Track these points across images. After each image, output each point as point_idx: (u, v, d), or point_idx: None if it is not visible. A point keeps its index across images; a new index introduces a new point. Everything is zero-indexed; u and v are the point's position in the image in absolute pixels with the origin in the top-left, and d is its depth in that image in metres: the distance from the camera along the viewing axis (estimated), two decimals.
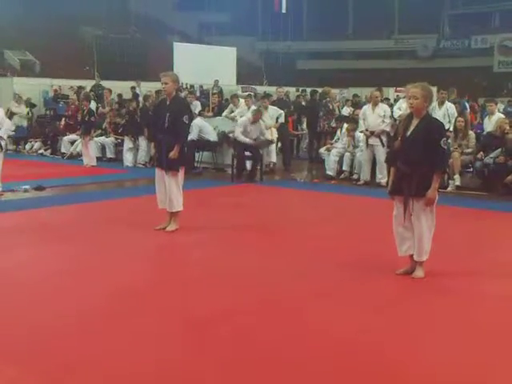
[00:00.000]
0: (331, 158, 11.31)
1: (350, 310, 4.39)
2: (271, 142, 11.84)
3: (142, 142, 12.52)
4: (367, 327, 4.06)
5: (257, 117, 11.02)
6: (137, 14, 36.68)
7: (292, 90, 21.48)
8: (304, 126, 15.14)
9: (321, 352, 3.64)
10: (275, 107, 12.81)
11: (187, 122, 6.82)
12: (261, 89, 22.10)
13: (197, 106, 13.92)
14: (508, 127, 9.97)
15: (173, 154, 6.59)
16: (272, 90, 17.81)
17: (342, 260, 5.70)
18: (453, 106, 11.20)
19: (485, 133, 10.65)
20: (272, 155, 12.19)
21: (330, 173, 11.24)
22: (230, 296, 4.65)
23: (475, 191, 9.72)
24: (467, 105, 14.45)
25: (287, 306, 4.48)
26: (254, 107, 11.69)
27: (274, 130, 12.15)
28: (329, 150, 11.58)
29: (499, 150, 9.67)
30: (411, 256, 5.19)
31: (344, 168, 11.28)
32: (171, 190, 6.67)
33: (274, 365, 3.46)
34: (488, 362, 3.60)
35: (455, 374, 3.42)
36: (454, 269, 5.45)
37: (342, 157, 11.26)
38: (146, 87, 17.83)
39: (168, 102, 6.76)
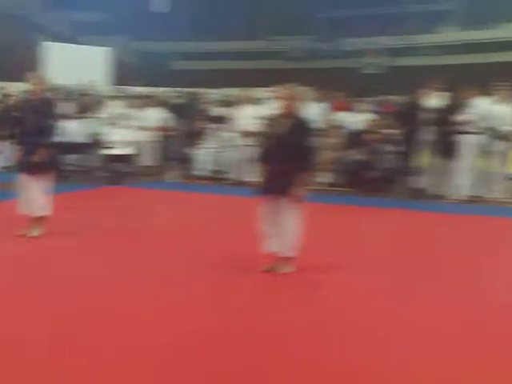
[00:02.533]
0: (201, 157, 11.41)
1: (207, 310, 4.36)
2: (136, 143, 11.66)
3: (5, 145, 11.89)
4: (230, 324, 4.07)
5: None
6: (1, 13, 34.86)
7: (167, 90, 21.26)
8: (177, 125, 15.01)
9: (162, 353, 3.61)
10: (159, 108, 12.61)
11: (53, 123, 6.60)
12: (136, 90, 21.71)
13: (65, 107, 13.41)
14: (375, 126, 10.52)
15: (38, 156, 6.35)
16: (147, 90, 17.52)
17: (208, 259, 5.68)
18: (323, 105, 11.55)
19: (352, 131, 11.10)
20: (145, 157, 12.02)
21: (199, 173, 11.31)
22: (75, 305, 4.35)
23: (343, 188, 10.13)
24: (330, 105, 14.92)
25: (121, 312, 4.25)
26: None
27: (151, 133, 11.99)
28: (198, 149, 11.65)
29: (364, 147, 10.16)
30: (277, 252, 5.29)
31: (213, 168, 11.39)
32: (36, 193, 6.40)
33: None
34: (357, 350, 3.72)
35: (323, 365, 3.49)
36: (323, 263, 5.61)
37: (212, 156, 11.37)
38: (12, 88, 16.96)
39: (34, 103, 6.53)
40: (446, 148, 9.22)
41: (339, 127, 11.03)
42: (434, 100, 9.85)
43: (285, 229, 5.20)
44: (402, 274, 5.46)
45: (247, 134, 10.38)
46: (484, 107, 9.31)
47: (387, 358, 3.62)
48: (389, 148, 10.14)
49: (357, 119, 11.09)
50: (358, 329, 4.08)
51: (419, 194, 9.67)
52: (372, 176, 9.86)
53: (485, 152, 9.49)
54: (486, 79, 10.58)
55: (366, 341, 3.86)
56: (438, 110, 9.57)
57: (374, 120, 11.01)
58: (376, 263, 5.77)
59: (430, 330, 4.08)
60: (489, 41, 41.68)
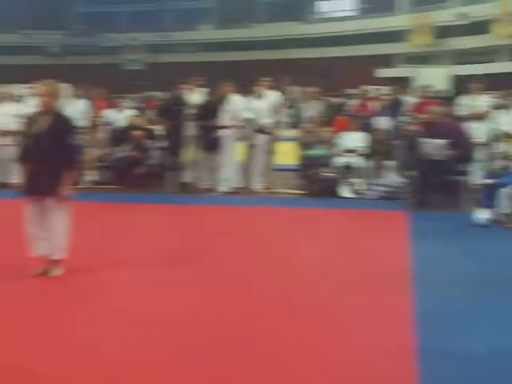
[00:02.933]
0: None
1: None
2: None
3: None
4: None
5: None
6: None
7: None
8: None
9: None
10: None
11: None
12: None
13: None
14: (139, 122, 10.57)
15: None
16: None
17: None
18: (84, 102, 11.25)
19: (117, 128, 10.99)
20: None
21: None
22: None
23: (111, 185, 10.00)
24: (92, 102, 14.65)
25: None
26: None
27: None
28: None
29: (130, 144, 10.13)
30: (47, 255, 5.08)
31: None
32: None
33: None
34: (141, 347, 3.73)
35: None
36: (94, 262, 5.49)
37: None
38: None
39: None
40: (210, 142, 9.57)
41: (103, 124, 10.86)
42: (195, 96, 10.15)
43: (52, 230, 5.01)
44: (172, 266, 5.57)
45: (5, 133, 9.74)
46: (243, 102, 9.81)
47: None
48: (154, 144, 10.24)
49: (121, 116, 11.00)
50: (132, 324, 4.09)
51: (186, 188, 9.91)
52: (139, 172, 9.87)
53: (248, 145, 10.02)
54: (244, 76, 11.22)
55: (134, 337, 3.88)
56: (199, 106, 9.87)
57: (137, 116, 11.04)
58: (147, 258, 5.81)
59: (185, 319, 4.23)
60: (243, 40, 44.02)
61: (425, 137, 8.55)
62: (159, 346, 3.77)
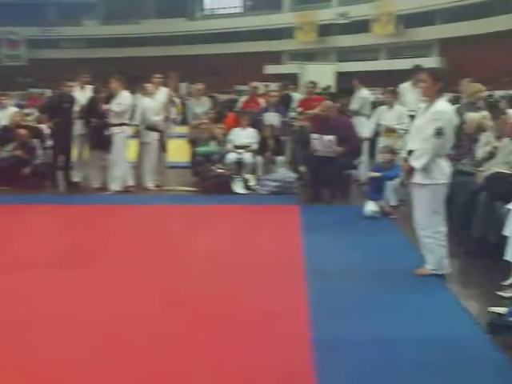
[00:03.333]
0: None
1: None
2: None
3: None
4: None
5: None
6: None
7: None
8: None
9: None
10: None
11: None
12: None
13: None
14: (23, 121, 10.17)
15: None
16: None
17: None
18: None
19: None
20: None
21: None
22: None
23: None
24: None
25: None
26: None
27: None
28: None
29: (14, 143, 9.72)
30: None
31: None
32: None
33: None
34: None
35: None
36: None
37: None
38: None
39: None
40: (100, 140, 9.36)
41: None
42: (82, 93, 9.88)
43: None
44: (71, 267, 5.47)
45: None
46: (132, 99, 9.63)
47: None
48: (40, 143, 9.88)
49: (3, 114, 10.52)
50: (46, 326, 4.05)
51: (76, 188, 9.65)
52: (25, 172, 9.50)
53: (139, 143, 9.88)
54: (132, 72, 11.05)
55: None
56: (86, 103, 9.62)
57: (21, 114, 10.60)
58: (42, 260, 5.66)
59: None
60: (130, 36, 43.32)
61: (315, 132, 8.81)
62: (76, 346, 3.76)
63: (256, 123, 10.22)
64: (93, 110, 9.40)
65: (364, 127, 9.69)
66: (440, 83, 5.09)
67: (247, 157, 9.78)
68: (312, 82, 11.57)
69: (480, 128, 7.21)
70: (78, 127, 9.64)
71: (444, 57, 35.59)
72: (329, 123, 8.79)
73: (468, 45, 33.93)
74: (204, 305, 4.55)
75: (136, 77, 10.63)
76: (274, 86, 15.76)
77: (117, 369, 3.53)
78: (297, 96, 12.24)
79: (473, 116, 7.47)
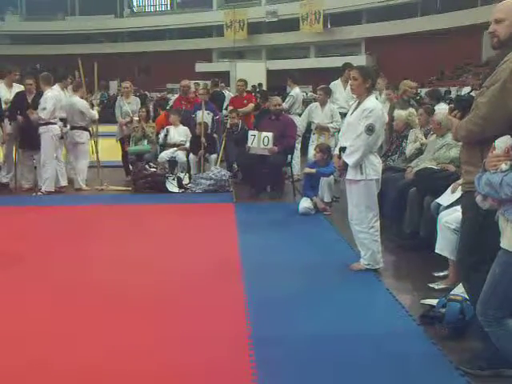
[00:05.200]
0: None
1: None
2: None
3: None
4: None
5: None
6: None
7: None
8: None
9: None
10: None
11: None
12: None
13: None
14: None
15: None
16: None
17: None
18: None
19: None
20: None
21: None
22: None
23: None
24: None
25: None
26: None
27: None
28: None
29: None
30: None
31: None
32: None
33: None
34: None
35: None
36: None
37: None
38: None
39: None
40: (28, 140, 9.08)
41: None
42: (7, 91, 9.54)
43: None
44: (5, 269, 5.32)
45: None
46: (61, 97, 9.38)
47: None
48: None
49: None
50: None
51: (4, 189, 9.35)
52: None
53: (69, 142, 9.65)
54: (59, 70, 10.76)
55: None
56: (12, 101, 9.30)
57: None
58: None
59: None
60: (55, 33, 42.24)
61: (249, 129, 8.82)
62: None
63: (188, 121, 10.15)
64: (20, 108, 9.09)
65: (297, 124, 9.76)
66: (370, 80, 5.18)
67: (180, 155, 9.71)
68: (242, 80, 11.59)
69: (408, 125, 7.40)
70: (7, 127, 9.31)
71: (370, 55, 36.43)
72: (277, 118, 8.89)
73: (394, 44, 34.85)
74: (141, 305, 4.48)
75: (62, 75, 10.31)
76: (204, 83, 15.67)
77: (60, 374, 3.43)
78: (228, 94, 12.23)
79: (400, 113, 7.66)
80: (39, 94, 9.08)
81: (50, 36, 41.67)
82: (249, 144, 8.61)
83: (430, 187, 5.78)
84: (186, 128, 10.01)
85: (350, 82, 5.55)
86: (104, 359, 3.62)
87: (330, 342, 3.89)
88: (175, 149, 9.79)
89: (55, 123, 9.07)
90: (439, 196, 5.37)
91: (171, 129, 10.00)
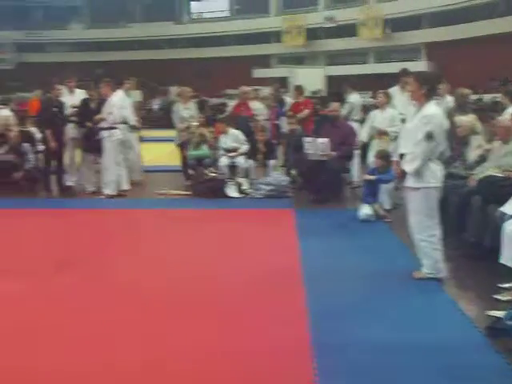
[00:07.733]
0: None
1: None
2: None
3: None
4: None
5: None
6: None
7: None
8: None
9: None
10: None
11: None
12: None
13: None
14: (12, 125, 10.11)
15: None
16: None
17: None
18: None
19: None
20: None
21: None
22: None
23: None
24: None
25: None
26: None
27: None
28: None
29: (5, 147, 9.68)
30: None
31: None
32: None
33: None
34: None
35: None
36: None
37: None
38: None
39: None
40: (92, 144, 9.33)
41: None
42: (70, 97, 9.84)
43: None
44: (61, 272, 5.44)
45: None
46: (123, 103, 9.59)
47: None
48: (32, 147, 9.82)
49: None
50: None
51: (70, 192, 9.62)
52: (16, 177, 9.44)
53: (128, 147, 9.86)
54: (121, 76, 11.01)
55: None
56: (77, 107, 9.59)
57: (8, 117, 10.54)
58: (32, 267, 5.63)
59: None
60: (117, 40, 43.13)
61: (308, 135, 8.81)
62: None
63: (247, 127, 10.20)
64: (86, 114, 9.36)
65: (360, 130, 9.68)
66: (425, 87, 5.06)
67: (240, 160, 9.75)
68: (298, 86, 11.56)
69: (472, 131, 7.24)
70: (70, 131, 9.60)
71: (431, 61, 35.78)
72: (336, 124, 8.86)
73: (456, 48, 34.14)
74: (204, 309, 4.54)
75: (125, 80, 10.57)
76: (264, 89, 15.73)
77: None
78: (288, 100, 12.25)
79: (464, 119, 7.49)
80: (102, 99, 9.31)
81: (112, 43, 42.60)
82: (306, 150, 8.61)
83: (493, 195, 5.65)
84: (239, 132, 9.97)
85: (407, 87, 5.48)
86: (166, 360, 3.68)
87: (393, 351, 3.85)
88: (234, 154, 9.80)
89: (117, 128, 9.27)
90: (503, 204, 5.25)
91: (221, 136, 10.00)
